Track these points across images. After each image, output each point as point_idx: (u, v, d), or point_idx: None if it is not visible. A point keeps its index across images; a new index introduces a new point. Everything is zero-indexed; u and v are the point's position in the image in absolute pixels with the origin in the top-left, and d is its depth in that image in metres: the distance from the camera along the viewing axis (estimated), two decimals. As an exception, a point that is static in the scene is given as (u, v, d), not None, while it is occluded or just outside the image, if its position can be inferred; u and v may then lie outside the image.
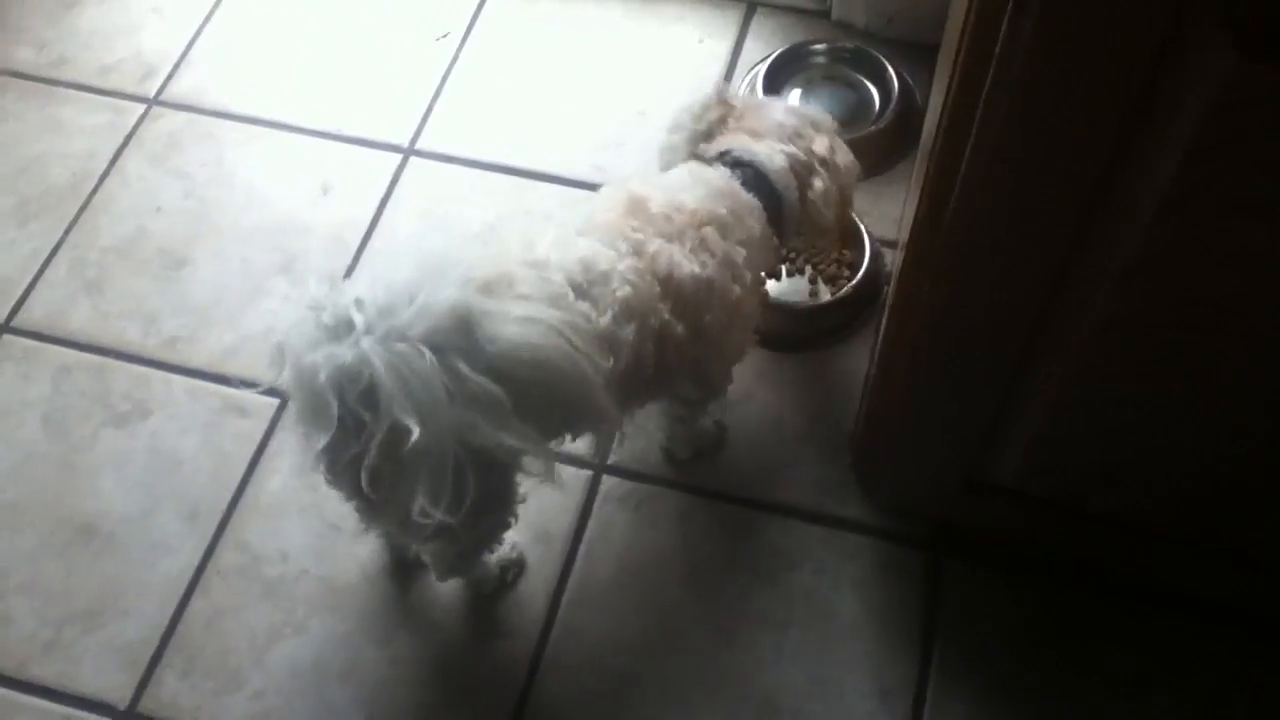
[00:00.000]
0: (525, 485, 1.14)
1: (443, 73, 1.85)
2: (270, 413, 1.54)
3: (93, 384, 1.57)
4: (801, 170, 1.25)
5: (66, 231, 1.71)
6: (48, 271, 1.67)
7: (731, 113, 1.27)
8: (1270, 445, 1.01)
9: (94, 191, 1.75)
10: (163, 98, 1.84)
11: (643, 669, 1.34)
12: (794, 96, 1.78)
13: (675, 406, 1.37)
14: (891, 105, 1.74)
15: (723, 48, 1.87)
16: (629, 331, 1.08)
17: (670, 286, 1.13)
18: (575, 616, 1.37)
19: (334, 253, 1.67)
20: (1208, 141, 0.73)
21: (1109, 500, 1.19)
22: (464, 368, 0.93)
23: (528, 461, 1.06)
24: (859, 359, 1.56)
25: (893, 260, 1.62)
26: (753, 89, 1.76)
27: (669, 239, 1.14)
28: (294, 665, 1.35)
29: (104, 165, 1.77)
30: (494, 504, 1.11)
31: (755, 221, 1.21)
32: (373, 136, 1.79)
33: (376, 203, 1.72)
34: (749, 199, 1.21)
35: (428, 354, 0.92)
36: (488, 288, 0.98)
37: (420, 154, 1.77)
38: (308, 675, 1.35)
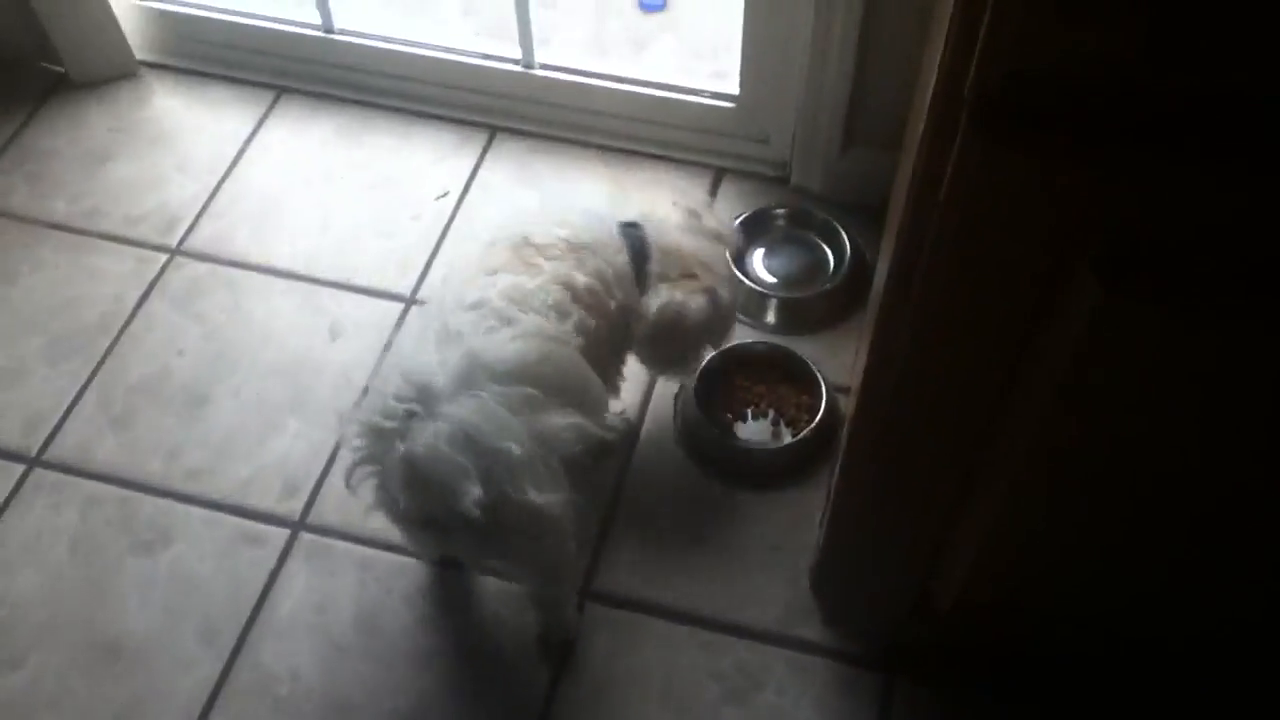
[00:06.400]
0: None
1: (442, 228, 2.05)
2: (282, 543, 1.69)
3: (118, 514, 1.72)
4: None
5: (95, 371, 1.87)
6: (77, 408, 1.83)
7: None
8: (1188, 553, 1.19)
9: (120, 333, 1.91)
10: (184, 247, 2.02)
11: (623, 781, 1.48)
12: (758, 256, 2.00)
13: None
14: (844, 265, 1.96)
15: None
16: (571, 321, 1.37)
17: (578, 292, 1.40)
18: (562, 732, 1.52)
19: (342, 391, 1.84)
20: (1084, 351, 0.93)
21: (1045, 616, 1.36)
22: (498, 388, 1.19)
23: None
24: (817, 495, 1.74)
25: (846, 404, 1.82)
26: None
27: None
28: (304, 778, 1.48)
29: (130, 309, 1.94)
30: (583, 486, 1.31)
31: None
32: (378, 286, 1.97)
33: (380, 346, 1.89)
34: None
35: (483, 395, 1.17)
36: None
37: (420, 303, 1.95)
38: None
